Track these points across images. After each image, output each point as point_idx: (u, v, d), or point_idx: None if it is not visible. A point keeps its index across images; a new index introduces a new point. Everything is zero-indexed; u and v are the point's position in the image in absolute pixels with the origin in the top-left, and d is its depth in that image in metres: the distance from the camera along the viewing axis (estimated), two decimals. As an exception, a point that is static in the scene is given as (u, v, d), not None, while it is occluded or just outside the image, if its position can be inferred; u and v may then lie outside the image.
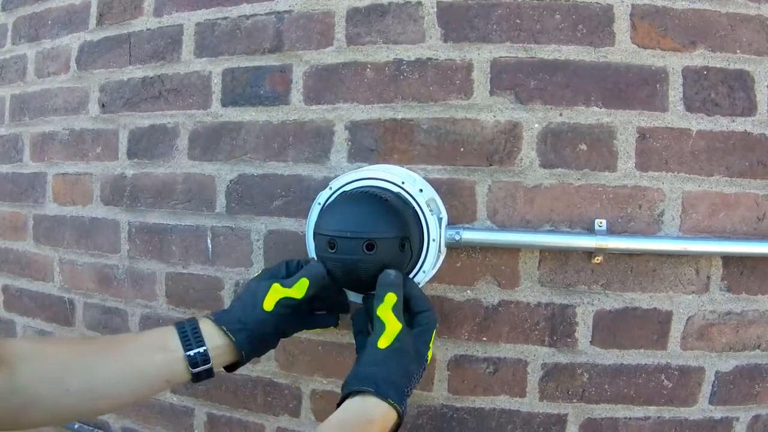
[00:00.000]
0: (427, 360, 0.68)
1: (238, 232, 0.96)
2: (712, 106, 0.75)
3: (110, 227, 1.07)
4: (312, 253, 0.78)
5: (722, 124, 0.76)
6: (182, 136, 1.00)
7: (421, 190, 0.78)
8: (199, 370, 0.63)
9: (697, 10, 0.76)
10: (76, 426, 1.14)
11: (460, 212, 0.84)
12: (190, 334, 0.64)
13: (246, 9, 0.93)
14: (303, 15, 0.89)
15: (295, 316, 0.71)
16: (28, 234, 1.18)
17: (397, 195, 0.76)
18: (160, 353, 0.63)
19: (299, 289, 0.68)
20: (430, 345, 0.70)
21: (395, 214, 0.71)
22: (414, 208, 0.76)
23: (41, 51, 1.13)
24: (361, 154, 0.88)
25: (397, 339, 0.64)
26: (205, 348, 0.64)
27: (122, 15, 1.03)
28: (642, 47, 0.76)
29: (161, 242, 1.02)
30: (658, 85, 0.76)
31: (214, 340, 0.65)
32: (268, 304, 0.67)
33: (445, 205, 0.82)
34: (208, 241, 0.98)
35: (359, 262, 0.69)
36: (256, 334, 0.67)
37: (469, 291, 0.85)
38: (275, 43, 0.91)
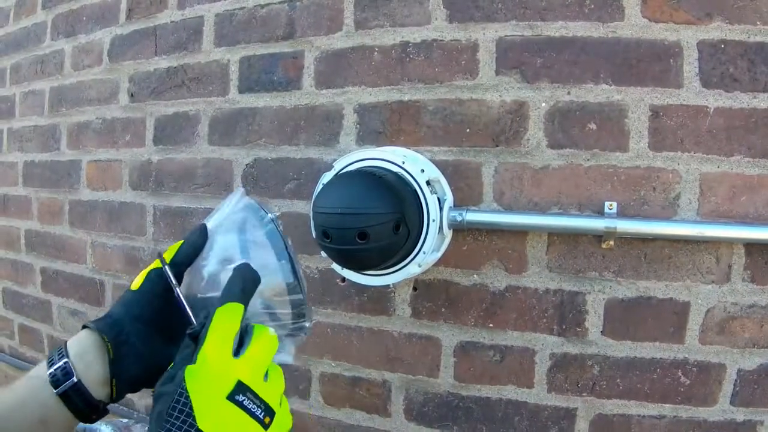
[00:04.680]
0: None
1: (253, 216, 1.03)
2: (730, 81, 0.75)
3: (137, 211, 1.18)
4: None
5: (742, 100, 0.75)
6: (203, 123, 1.09)
7: (422, 171, 0.82)
8: (65, 389, 0.51)
9: (715, -20, 0.76)
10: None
11: (466, 194, 0.87)
12: (54, 353, 0.53)
13: (261, -2, 1.01)
14: (313, 2, 0.96)
15: (175, 308, 0.56)
16: (64, 218, 1.32)
17: (396, 174, 0.80)
18: (27, 383, 0.52)
19: (168, 255, 0.56)
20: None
21: (390, 192, 0.75)
22: (413, 187, 0.80)
23: (77, 45, 1.27)
24: (369, 136, 0.93)
25: None
26: (66, 362, 0.52)
27: (149, 9, 1.14)
28: (653, 21, 0.77)
29: (183, 225, 1.12)
30: (671, 61, 0.77)
31: (80, 347, 0.54)
32: (136, 281, 0.56)
33: (451, 186, 0.86)
34: (225, 225, 1.06)
35: (354, 252, 0.74)
36: (122, 322, 0.55)
37: (475, 275, 0.88)
38: (288, 30, 0.99)
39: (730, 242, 0.77)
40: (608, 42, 0.79)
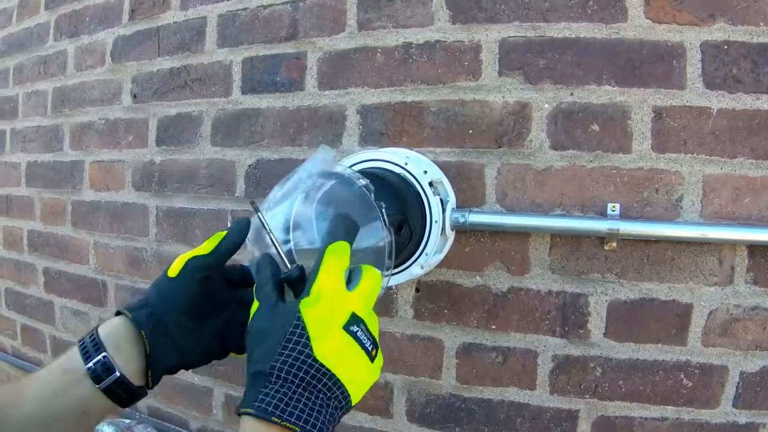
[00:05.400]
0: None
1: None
2: (733, 82, 0.75)
3: (140, 212, 1.19)
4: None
5: (746, 101, 0.75)
6: (206, 124, 1.09)
7: (425, 172, 0.82)
8: (108, 384, 0.52)
9: (717, -19, 0.76)
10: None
11: (468, 195, 0.87)
12: (88, 343, 0.53)
13: (264, -1, 1.01)
14: (316, 3, 0.96)
15: (215, 295, 0.58)
16: (67, 219, 1.33)
17: (399, 176, 0.81)
18: (62, 378, 0.52)
19: (210, 243, 0.57)
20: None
21: (392, 193, 0.76)
22: (416, 189, 0.81)
23: (80, 46, 1.28)
24: (372, 137, 0.93)
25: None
26: (104, 354, 0.52)
27: (152, 10, 1.15)
28: (656, 22, 0.77)
29: (186, 226, 1.13)
30: (674, 62, 0.77)
31: (116, 338, 0.54)
32: (173, 268, 0.56)
33: (454, 188, 0.87)
34: (229, 224, 1.07)
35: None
36: (158, 310, 0.55)
37: (478, 277, 0.88)
38: (291, 31, 0.99)
39: (732, 244, 0.77)
40: (611, 43, 0.79)
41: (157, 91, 1.16)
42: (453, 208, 0.84)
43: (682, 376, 0.81)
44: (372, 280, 0.52)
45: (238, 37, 1.05)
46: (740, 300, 0.78)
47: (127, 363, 0.53)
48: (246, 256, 0.59)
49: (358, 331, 0.49)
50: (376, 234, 0.59)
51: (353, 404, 0.49)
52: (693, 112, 0.77)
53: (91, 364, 0.51)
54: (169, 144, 1.15)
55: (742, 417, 0.79)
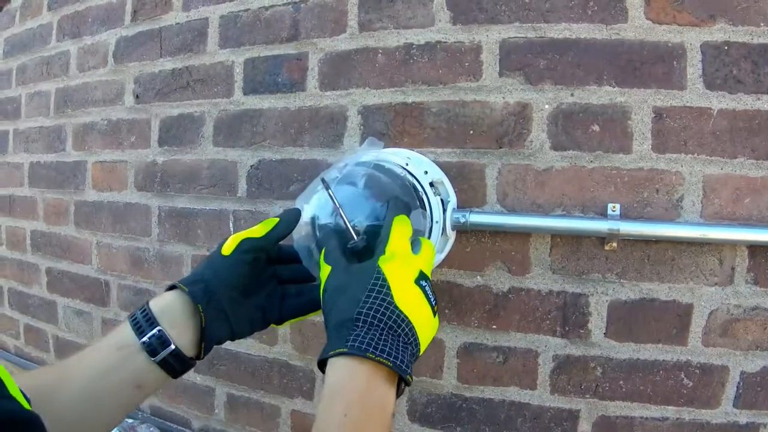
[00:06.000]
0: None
1: (258, 216, 1.05)
2: (734, 83, 0.75)
3: (142, 212, 1.20)
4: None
5: (746, 102, 0.75)
6: (207, 124, 1.10)
7: (426, 172, 0.83)
8: (163, 357, 0.54)
9: (717, -19, 0.76)
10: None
11: (469, 196, 0.88)
12: (140, 319, 0.55)
13: (265, 0, 1.02)
14: (318, 4, 0.97)
15: (261, 273, 0.64)
16: (70, 219, 1.34)
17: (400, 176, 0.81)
18: (116, 353, 0.54)
19: (263, 228, 0.62)
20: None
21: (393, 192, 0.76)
22: (417, 189, 0.81)
23: (82, 47, 1.29)
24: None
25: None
26: (159, 329, 0.54)
27: (154, 10, 1.15)
28: (657, 23, 0.77)
29: (188, 226, 1.13)
30: (675, 62, 0.77)
31: (171, 313, 0.56)
32: (227, 247, 0.61)
33: (454, 188, 0.87)
34: (231, 224, 1.08)
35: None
36: (213, 286, 0.59)
37: (479, 277, 0.88)
38: (292, 32, 1.00)
39: (733, 244, 0.77)
40: (611, 44, 0.79)
41: (159, 92, 1.16)
42: (454, 209, 0.84)
43: (682, 376, 0.81)
44: (431, 249, 0.61)
45: (240, 38, 1.05)
46: (741, 300, 0.78)
47: (181, 336, 0.57)
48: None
49: (426, 286, 0.55)
50: (418, 221, 0.69)
51: (420, 354, 0.53)
52: (693, 112, 0.77)
53: (146, 338, 0.54)
54: (171, 144, 1.15)
55: (743, 417, 0.79)
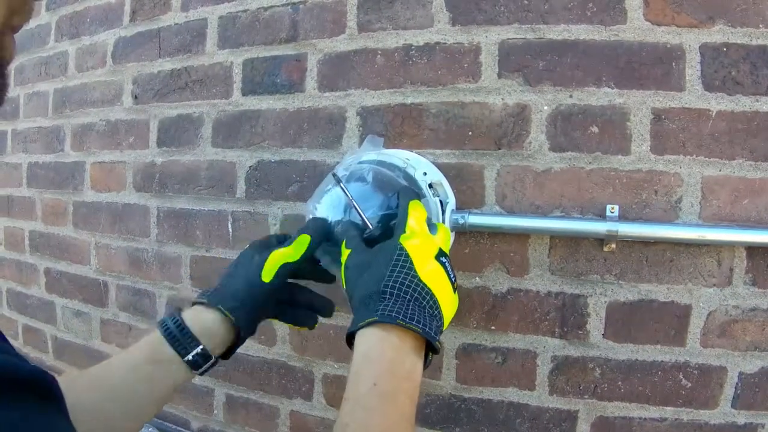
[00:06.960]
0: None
1: (256, 217, 1.05)
2: (733, 84, 0.75)
3: (141, 212, 1.20)
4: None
5: (745, 103, 0.76)
6: (206, 125, 1.10)
7: (425, 173, 0.83)
8: (205, 368, 0.62)
9: (716, -17, 0.76)
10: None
11: (468, 197, 0.88)
12: (178, 335, 0.60)
13: (264, 1, 1.02)
14: (316, 4, 0.97)
15: (290, 286, 0.71)
16: (68, 219, 1.34)
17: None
18: (151, 367, 0.59)
19: (298, 247, 0.66)
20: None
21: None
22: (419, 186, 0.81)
23: (81, 47, 1.29)
24: (371, 139, 0.94)
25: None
26: (202, 347, 0.61)
27: (153, 11, 1.15)
28: (656, 24, 0.77)
29: (186, 227, 1.13)
30: (673, 64, 0.77)
31: (208, 329, 0.62)
32: (267, 274, 0.64)
33: (453, 189, 0.87)
34: (229, 225, 1.08)
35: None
36: (254, 312, 0.64)
37: (477, 278, 0.89)
38: (291, 33, 1.00)
39: (731, 245, 0.78)
40: (611, 45, 0.80)
41: (158, 93, 1.16)
42: (452, 210, 0.85)
43: (681, 376, 0.81)
44: (447, 231, 0.64)
45: (239, 38, 1.05)
46: (739, 301, 0.78)
47: (218, 347, 0.63)
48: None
49: (446, 262, 0.58)
50: (429, 209, 0.75)
51: (444, 328, 0.57)
52: (692, 113, 0.77)
53: (190, 357, 0.60)
54: (169, 145, 1.15)
55: (741, 417, 0.79)
